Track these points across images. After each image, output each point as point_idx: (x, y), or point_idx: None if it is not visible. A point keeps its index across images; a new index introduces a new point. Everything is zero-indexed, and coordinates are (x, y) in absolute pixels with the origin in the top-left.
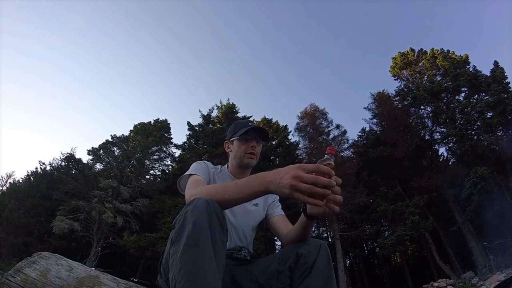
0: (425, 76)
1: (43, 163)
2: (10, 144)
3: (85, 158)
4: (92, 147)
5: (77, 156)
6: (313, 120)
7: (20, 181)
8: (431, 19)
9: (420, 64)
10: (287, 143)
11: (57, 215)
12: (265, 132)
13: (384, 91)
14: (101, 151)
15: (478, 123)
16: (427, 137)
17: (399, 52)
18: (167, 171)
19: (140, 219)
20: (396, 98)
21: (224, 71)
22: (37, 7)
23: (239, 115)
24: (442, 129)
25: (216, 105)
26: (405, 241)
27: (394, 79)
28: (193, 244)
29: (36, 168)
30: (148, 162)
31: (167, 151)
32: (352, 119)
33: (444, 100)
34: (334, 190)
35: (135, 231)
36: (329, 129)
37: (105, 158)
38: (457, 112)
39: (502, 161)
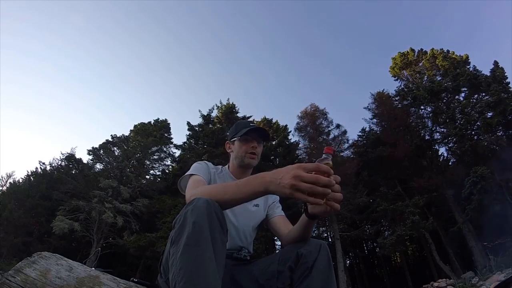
0: (425, 76)
1: (43, 163)
2: (10, 144)
3: (85, 158)
4: (92, 147)
5: (77, 156)
6: (313, 120)
7: (20, 181)
8: (431, 19)
9: (420, 64)
10: (287, 143)
11: (57, 215)
12: (266, 132)
13: (384, 91)
14: (101, 151)
15: (478, 123)
16: (427, 137)
17: (399, 52)
18: (167, 171)
19: (140, 219)
20: (396, 98)
21: (224, 71)
22: (37, 7)
23: (239, 115)
24: (442, 129)
25: (216, 105)
26: (405, 241)
27: (394, 80)
28: (193, 244)
29: (36, 168)
30: (148, 162)
31: (167, 151)
32: (352, 119)
33: (444, 100)
34: (334, 189)
35: (135, 231)
36: (329, 129)
37: (105, 158)
38: (457, 112)
39: (502, 161)
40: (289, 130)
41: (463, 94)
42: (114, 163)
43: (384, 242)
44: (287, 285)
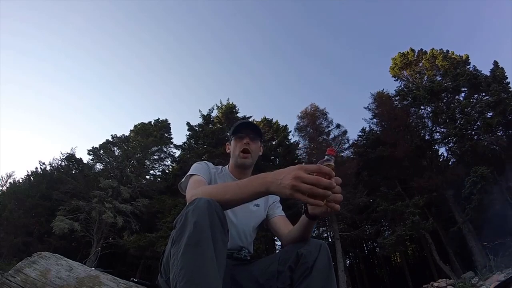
0: (425, 76)
1: (43, 163)
2: (10, 144)
3: (85, 158)
4: (92, 147)
5: (77, 156)
6: (313, 120)
7: (20, 181)
8: (431, 19)
9: (420, 64)
10: (287, 143)
11: (57, 215)
12: (255, 126)
13: (384, 91)
14: (101, 151)
15: (478, 123)
16: (427, 137)
17: (399, 52)
18: (167, 171)
19: (140, 219)
20: (396, 98)
21: (224, 71)
22: (37, 7)
23: (239, 115)
24: (442, 129)
25: (216, 105)
26: (405, 241)
27: (394, 80)
28: (194, 244)
29: (36, 168)
30: (148, 162)
31: (167, 151)
32: (352, 119)
33: (444, 100)
34: (334, 190)
35: (135, 231)
36: (329, 129)
37: (105, 158)
38: (457, 112)
39: (502, 161)
40: (289, 130)
41: (463, 94)
42: (114, 163)
43: (384, 242)
44: (287, 285)
